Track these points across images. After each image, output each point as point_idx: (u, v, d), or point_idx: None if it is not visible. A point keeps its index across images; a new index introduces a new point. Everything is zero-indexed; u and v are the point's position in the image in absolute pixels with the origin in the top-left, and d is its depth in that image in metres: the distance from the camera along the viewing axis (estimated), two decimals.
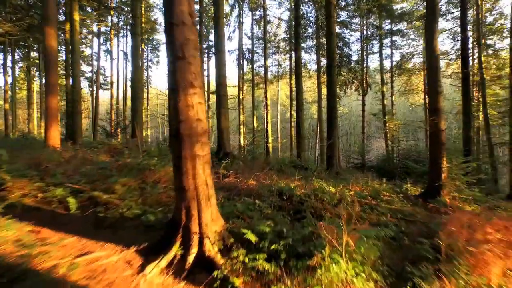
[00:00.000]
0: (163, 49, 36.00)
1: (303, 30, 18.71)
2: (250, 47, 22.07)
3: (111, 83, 21.93)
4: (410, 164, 8.37)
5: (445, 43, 42.29)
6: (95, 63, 21.31)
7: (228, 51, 41.53)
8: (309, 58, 21.40)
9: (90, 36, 21.85)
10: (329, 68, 9.89)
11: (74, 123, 10.43)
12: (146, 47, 26.41)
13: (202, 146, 2.61)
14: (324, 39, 18.41)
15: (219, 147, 7.75)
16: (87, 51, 23.73)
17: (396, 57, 20.52)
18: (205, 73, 21.85)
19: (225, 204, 3.56)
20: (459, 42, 16.20)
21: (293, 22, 17.46)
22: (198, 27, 17.77)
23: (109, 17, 20.18)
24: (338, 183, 5.70)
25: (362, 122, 20.84)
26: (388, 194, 5.36)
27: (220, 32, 7.64)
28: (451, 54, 18.13)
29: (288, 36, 21.92)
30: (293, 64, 18.60)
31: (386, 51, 20.16)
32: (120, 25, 22.51)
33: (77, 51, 11.00)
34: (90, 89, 21.83)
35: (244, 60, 22.54)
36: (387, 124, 19.13)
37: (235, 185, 4.64)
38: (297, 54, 13.57)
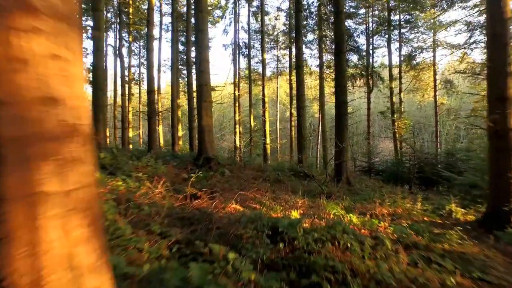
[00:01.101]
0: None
1: (304, 22, 17.32)
2: (247, 41, 20.59)
3: None
4: (446, 173, 6.64)
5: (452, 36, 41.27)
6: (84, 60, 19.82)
7: (224, 45, 40.53)
8: (310, 54, 20.02)
9: None
10: (337, 56, 8.37)
11: None
12: (137, 43, 24.75)
13: (62, 168, 0.98)
14: (327, 31, 17.00)
15: (199, 151, 6.06)
16: None
17: (404, 52, 19.20)
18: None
19: (171, 262, 1.97)
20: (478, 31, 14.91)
21: (293, 11, 16.07)
22: (186, 13, 16.14)
23: None
24: (357, 203, 4.14)
25: (368, 121, 19.41)
26: (428, 219, 3.81)
27: (201, 6, 6.00)
28: (463, 47, 16.92)
29: (287, 29, 20.47)
30: (293, 59, 17.28)
31: (394, 45, 18.87)
32: (108, 17, 20.98)
33: None
34: None
35: (241, 55, 21.10)
36: (396, 123, 17.63)
37: (207, 212, 3.06)
38: (297, 44, 12.07)
